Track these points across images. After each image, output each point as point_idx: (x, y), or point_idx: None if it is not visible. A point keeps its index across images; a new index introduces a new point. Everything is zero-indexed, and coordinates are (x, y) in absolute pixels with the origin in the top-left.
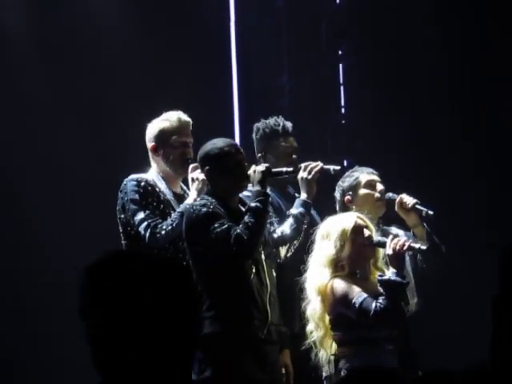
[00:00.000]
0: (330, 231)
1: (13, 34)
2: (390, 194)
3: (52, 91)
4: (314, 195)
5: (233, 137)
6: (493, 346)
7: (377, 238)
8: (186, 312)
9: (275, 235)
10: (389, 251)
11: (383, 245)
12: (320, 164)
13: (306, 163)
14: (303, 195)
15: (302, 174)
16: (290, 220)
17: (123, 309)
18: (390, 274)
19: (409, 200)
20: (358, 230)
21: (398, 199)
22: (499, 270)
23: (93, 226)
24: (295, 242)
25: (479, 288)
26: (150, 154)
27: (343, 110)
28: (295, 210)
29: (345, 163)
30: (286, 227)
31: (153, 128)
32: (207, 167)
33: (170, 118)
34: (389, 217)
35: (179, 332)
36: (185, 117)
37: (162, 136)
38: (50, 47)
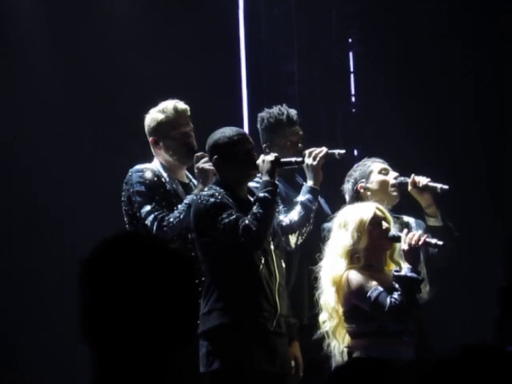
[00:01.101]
0: (348, 221)
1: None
2: (402, 178)
3: (60, 80)
4: (320, 181)
5: (241, 125)
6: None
7: (392, 232)
8: (184, 307)
9: (284, 223)
10: (404, 246)
11: (398, 239)
12: (324, 149)
13: (311, 149)
14: (310, 182)
15: (306, 161)
16: (298, 207)
17: (120, 294)
18: (405, 269)
19: (422, 178)
20: (376, 221)
21: (410, 179)
22: (505, 259)
23: (98, 217)
24: (305, 229)
25: (486, 275)
26: (151, 146)
27: (353, 98)
28: (302, 196)
29: (355, 152)
30: (294, 215)
31: (150, 120)
32: (216, 156)
33: (166, 109)
34: (398, 204)
35: (173, 327)
36: (181, 105)
37: (161, 129)
38: (60, 36)
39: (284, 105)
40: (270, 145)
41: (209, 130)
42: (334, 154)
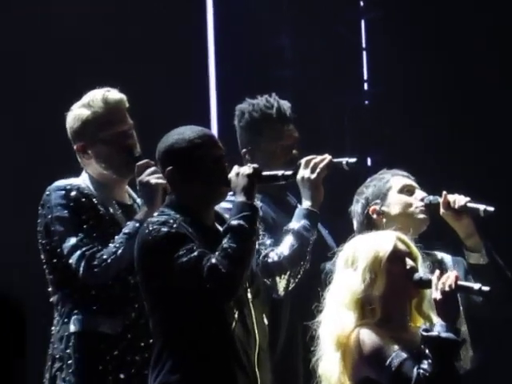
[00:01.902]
0: (358, 257)
1: None
2: (431, 197)
3: None
4: (321, 202)
5: (208, 125)
6: None
7: (420, 273)
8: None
9: (270, 260)
10: (436, 294)
11: (428, 284)
12: (327, 157)
13: (308, 157)
14: (306, 203)
15: (302, 173)
16: (290, 238)
17: None
18: (438, 327)
19: (458, 198)
20: (397, 258)
21: (442, 199)
22: None
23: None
24: (298, 268)
25: None
26: (77, 155)
27: (366, 85)
28: (296, 223)
29: (369, 161)
30: (284, 248)
31: (72, 120)
32: (170, 167)
33: (92, 103)
34: (427, 234)
35: None
36: (113, 95)
37: (87, 130)
38: None
39: (273, 95)
40: (253, 150)
41: (159, 129)
42: (340, 163)
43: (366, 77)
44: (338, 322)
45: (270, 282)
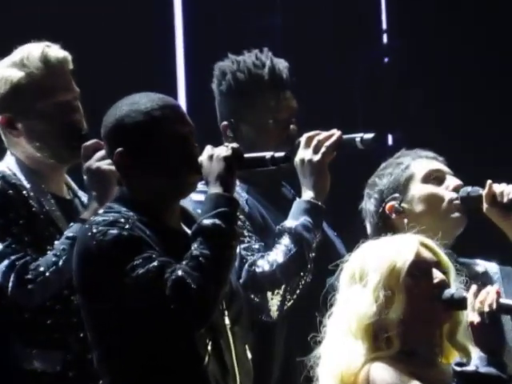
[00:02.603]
0: (368, 269)
1: None
2: (469, 188)
3: None
4: (326, 192)
5: (173, 92)
6: None
7: (452, 289)
8: None
9: (258, 270)
10: (473, 317)
11: (462, 303)
12: (336, 133)
13: (310, 133)
14: (307, 194)
15: (302, 155)
16: (286, 240)
17: None
18: (475, 360)
19: (508, 189)
20: (420, 269)
21: (485, 190)
22: None
23: None
24: (298, 281)
25: None
26: (0, 129)
27: (385, 38)
28: (294, 220)
29: (389, 140)
30: (278, 254)
31: None
32: (119, 149)
33: (27, 61)
34: (464, 238)
35: None
36: (55, 52)
37: (18, 98)
38: None
39: (266, 50)
40: (236, 124)
41: (111, 99)
42: (353, 140)
43: (384, 25)
44: (342, 356)
45: (259, 300)
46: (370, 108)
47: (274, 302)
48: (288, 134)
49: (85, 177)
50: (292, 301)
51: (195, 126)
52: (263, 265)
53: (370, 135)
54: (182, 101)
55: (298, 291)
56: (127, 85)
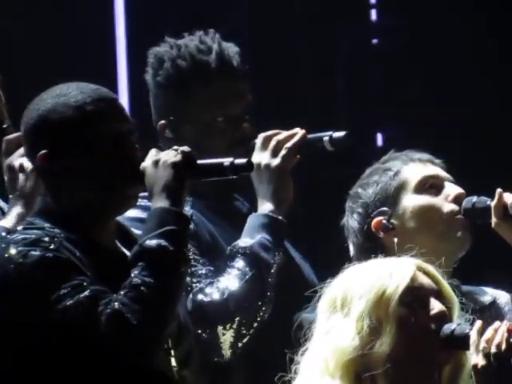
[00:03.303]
0: (351, 296)
1: None
2: (474, 199)
3: None
4: (288, 204)
5: (113, 83)
6: None
7: (454, 324)
8: None
9: (206, 299)
10: (477, 359)
11: (462, 342)
12: (300, 132)
13: (267, 133)
14: (265, 206)
15: (259, 158)
16: (240, 263)
17: None
18: None
19: None
20: (415, 297)
21: (494, 202)
22: None
23: None
24: (255, 312)
25: None
26: None
27: (374, 14)
28: (249, 239)
29: (379, 139)
30: (230, 280)
31: None
32: (43, 151)
33: None
34: (467, 259)
35: None
36: None
37: None
38: None
39: (212, 32)
40: (177, 122)
41: (37, 86)
42: (319, 140)
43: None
44: None
45: (208, 336)
46: (354, 101)
47: (226, 338)
48: (241, 134)
49: (5, 176)
50: (248, 336)
51: (138, 124)
52: (212, 293)
53: (340, 133)
54: (122, 94)
55: (255, 325)
56: (56, 72)
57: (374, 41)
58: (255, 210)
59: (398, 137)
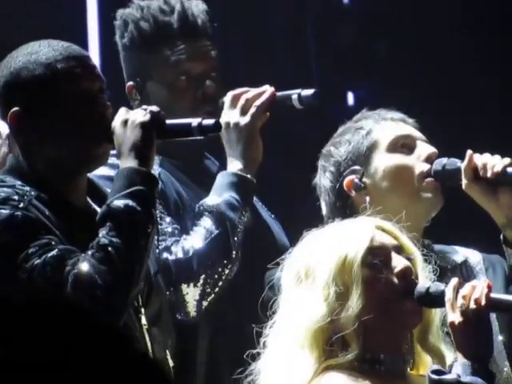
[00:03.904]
0: (315, 264)
1: None
2: (444, 161)
3: None
4: (258, 163)
5: (83, 41)
6: None
7: (425, 282)
8: None
9: (172, 258)
10: (454, 317)
11: (436, 301)
12: (268, 90)
13: (236, 91)
14: (234, 164)
15: (227, 117)
16: (206, 221)
17: None
18: (457, 367)
19: (491, 161)
20: (377, 256)
21: (464, 163)
22: None
23: None
24: (221, 271)
25: None
26: None
27: None
28: (216, 197)
29: (349, 98)
30: (195, 238)
31: None
32: (15, 108)
33: None
34: (438, 220)
35: None
36: None
37: None
38: None
39: None
40: (143, 82)
41: (7, 45)
42: (289, 98)
43: None
44: (286, 370)
45: (173, 295)
46: (325, 59)
47: (190, 296)
48: (204, 92)
49: None
50: (213, 295)
51: (110, 83)
52: (177, 252)
53: (309, 91)
54: (93, 51)
55: (220, 284)
56: (26, 30)
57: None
58: (225, 169)
59: (370, 96)
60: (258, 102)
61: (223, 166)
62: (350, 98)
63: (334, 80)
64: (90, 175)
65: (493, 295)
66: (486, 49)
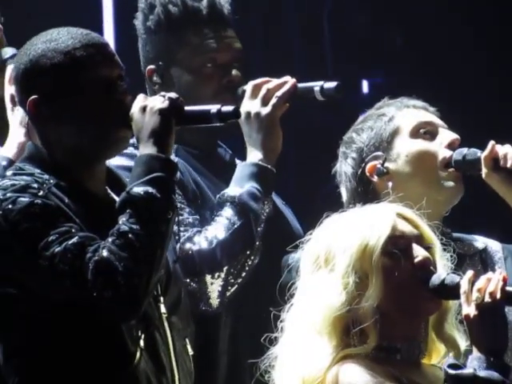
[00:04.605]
0: (334, 250)
1: None
2: (465, 151)
3: None
4: (278, 153)
5: (99, 27)
6: None
7: (440, 273)
8: None
9: (195, 248)
10: (469, 310)
11: (452, 292)
12: (290, 81)
13: (257, 81)
14: (254, 155)
15: (248, 107)
16: (228, 212)
17: None
18: (472, 361)
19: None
20: (398, 246)
21: (485, 153)
22: None
23: None
24: (243, 261)
25: None
26: None
27: None
28: (238, 187)
29: (364, 87)
30: (217, 228)
31: None
32: (34, 96)
33: None
34: (458, 209)
35: None
36: None
37: None
38: None
39: None
40: (165, 68)
41: (28, 31)
42: (310, 90)
43: None
44: (304, 357)
45: (196, 285)
46: (339, 47)
47: (214, 287)
48: (229, 80)
49: (7, 106)
50: (236, 286)
51: (127, 70)
52: (200, 242)
53: (331, 84)
54: (109, 38)
55: (243, 274)
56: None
57: None
58: (238, 158)
59: (385, 84)
60: (279, 93)
61: (235, 154)
62: (365, 86)
63: (348, 68)
64: (110, 163)
65: (508, 288)
66: (498, 38)
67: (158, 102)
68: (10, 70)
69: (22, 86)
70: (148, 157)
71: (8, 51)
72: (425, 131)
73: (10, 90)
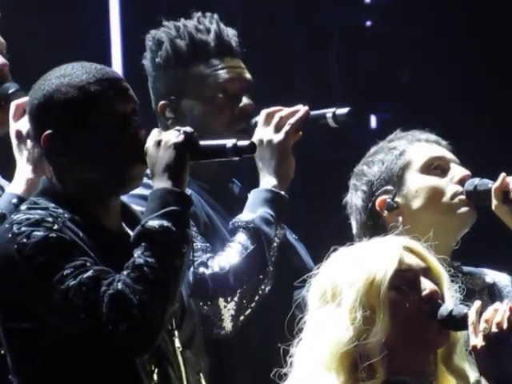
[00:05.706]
0: (341, 285)
1: None
2: (476, 181)
3: None
4: (290, 179)
5: (109, 61)
6: None
7: (448, 305)
8: None
9: (208, 272)
10: (476, 341)
11: (461, 323)
12: (302, 109)
13: (270, 109)
14: (267, 180)
15: (261, 135)
16: (241, 236)
17: None
18: None
19: None
20: (406, 280)
21: (495, 186)
22: None
23: None
24: (257, 286)
25: None
26: None
27: None
28: (250, 213)
29: (372, 121)
30: (231, 253)
31: None
32: (48, 131)
33: None
34: (467, 242)
35: None
36: None
37: None
38: None
39: (209, 14)
40: (176, 103)
41: (36, 65)
42: (323, 116)
43: None
44: None
45: (209, 309)
46: (346, 83)
47: (227, 311)
48: (241, 109)
49: (13, 142)
50: (249, 310)
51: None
52: (214, 266)
53: (343, 110)
54: (120, 70)
55: (256, 298)
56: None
57: (368, 23)
58: (249, 191)
59: (392, 120)
60: (292, 120)
61: (246, 187)
62: (373, 121)
63: (356, 103)
64: (124, 197)
65: None
66: (507, 74)
67: (173, 136)
68: (14, 105)
69: (36, 120)
70: (163, 191)
71: (11, 86)
72: (435, 166)
73: (15, 126)
